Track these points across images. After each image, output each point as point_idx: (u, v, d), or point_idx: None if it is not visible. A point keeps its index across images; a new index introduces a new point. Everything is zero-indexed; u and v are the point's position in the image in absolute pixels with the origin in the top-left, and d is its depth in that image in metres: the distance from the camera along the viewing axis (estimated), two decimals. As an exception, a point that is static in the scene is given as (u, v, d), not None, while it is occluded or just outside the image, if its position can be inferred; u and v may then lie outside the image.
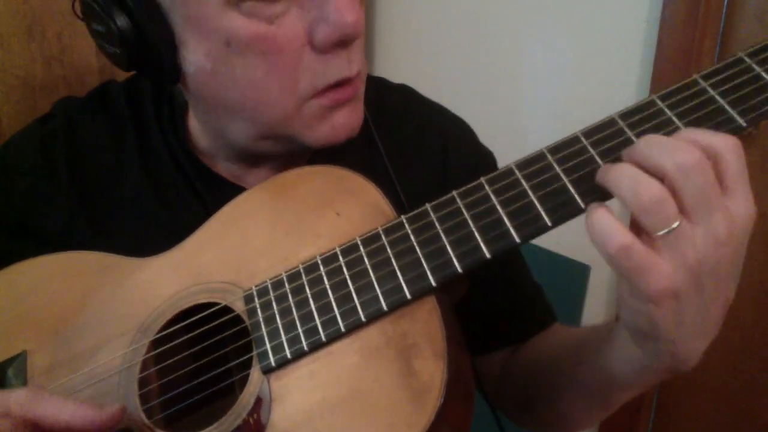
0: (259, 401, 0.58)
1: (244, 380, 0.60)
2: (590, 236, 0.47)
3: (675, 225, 0.45)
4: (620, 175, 0.47)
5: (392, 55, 1.93)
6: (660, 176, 0.46)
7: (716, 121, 0.50)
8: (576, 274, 1.38)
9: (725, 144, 0.46)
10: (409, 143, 0.83)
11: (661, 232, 0.45)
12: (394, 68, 1.93)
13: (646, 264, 0.46)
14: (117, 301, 0.68)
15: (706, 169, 0.45)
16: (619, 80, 1.54)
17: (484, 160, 0.86)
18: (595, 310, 1.65)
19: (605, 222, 0.47)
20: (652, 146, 0.47)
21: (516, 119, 1.71)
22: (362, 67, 0.68)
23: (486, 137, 0.89)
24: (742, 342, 1.60)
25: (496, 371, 0.83)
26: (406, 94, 0.90)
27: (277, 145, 0.70)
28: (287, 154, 0.75)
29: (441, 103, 0.90)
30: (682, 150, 0.45)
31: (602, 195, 0.51)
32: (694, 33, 1.44)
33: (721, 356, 1.63)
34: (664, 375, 0.55)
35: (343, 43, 0.63)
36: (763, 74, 0.50)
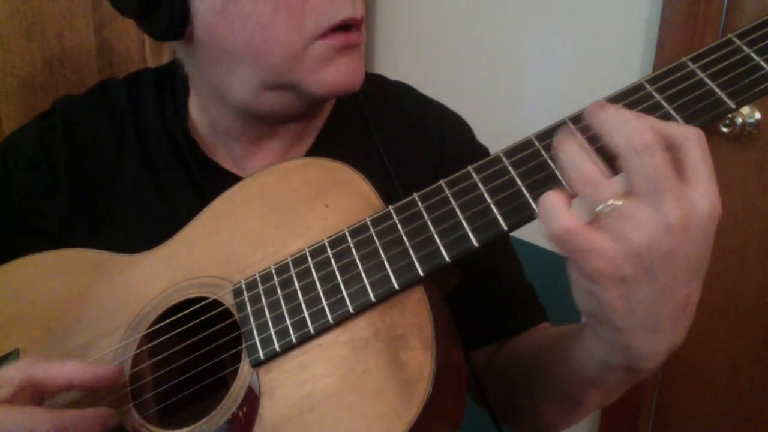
0: (248, 395, 0.58)
1: (236, 374, 0.60)
2: (539, 218, 0.48)
3: (616, 203, 0.45)
4: (563, 154, 0.48)
5: (392, 55, 1.93)
6: (614, 152, 0.47)
7: (705, 103, 0.50)
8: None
9: (684, 134, 0.46)
10: (407, 138, 0.83)
11: (599, 208, 0.46)
12: (394, 68, 1.93)
13: (587, 245, 0.45)
14: (109, 297, 0.68)
15: (656, 151, 0.45)
16: (619, 80, 1.53)
17: (479, 155, 0.87)
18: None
19: (550, 204, 0.47)
20: (611, 122, 0.47)
21: (516, 119, 1.71)
22: (364, 18, 0.70)
23: (486, 137, 0.89)
24: (742, 342, 1.59)
25: (480, 369, 0.82)
26: (404, 90, 0.90)
27: (281, 100, 0.71)
28: (289, 124, 0.75)
29: (441, 102, 0.90)
30: (636, 131, 0.45)
31: None
32: (694, 33, 1.44)
33: (721, 356, 1.63)
34: (626, 375, 0.55)
35: None
36: (753, 55, 0.50)
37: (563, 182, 0.51)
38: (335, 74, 0.68)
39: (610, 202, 0.45)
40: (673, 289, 0.46)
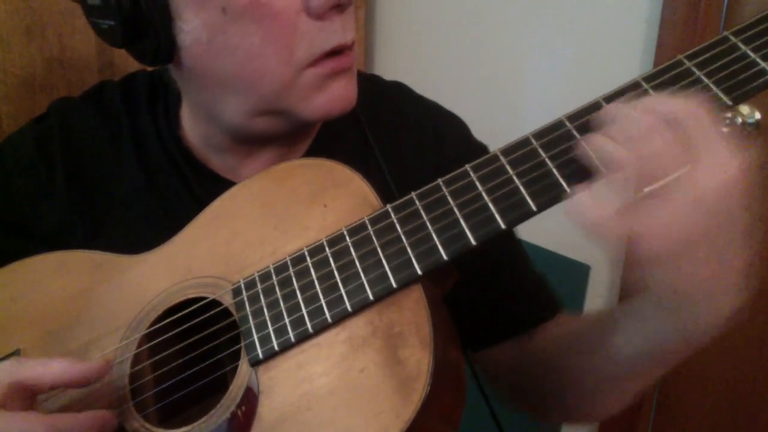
0: (247, 394, 0.58)
1: (235, 374, 0.60)
2: (570, 216, 0.48)
3: (654, 186, 0.46)
4: (594, 148, 0.48)
5: (392, 55, 1.93)
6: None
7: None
8: (576, 274, 1.38)
9: (682, 110, 0.47)
10: (405, 139, 0.83)
11: (647, 189, 0.46)
12: (394, 68, 1.93)
13: (629, 229, 0.46)
14: (109, 298, 0.68)
15: (655, 135, 0.46)
16: (619, 80, 1.52)
17: (477, 154, 0.87)
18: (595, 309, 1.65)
19: (581, 200, 0.47)
20: (610, 118, 0.48)
21: (516, 119, 1.71)
22: (355, 40, 0.69)
23: (486, 137, 0.89)
24: (742, 341, 1.59)
25: (505, 367, 0.81)
26: (399, 91, 0.90)
27: (273, 123, 0.70)
28: (283, 138, 0.75)
29: (440, 103, 0.90)
30: (633, 121, 0.46)
31: (586, 177, 0.51)
32: (694, 33, 1.44)
33: (721, 356, 1.62)
34: (682, 347, 0.55)
35: (338, 7, 0.64)
36: (749, 52, 0.50)
37: (560, 180, 0.51)
38: (328, 100, 0.68)
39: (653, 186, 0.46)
40: (723, 254, 0.47)
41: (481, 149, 0.87)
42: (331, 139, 0.80)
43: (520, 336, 0.81)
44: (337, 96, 0.68)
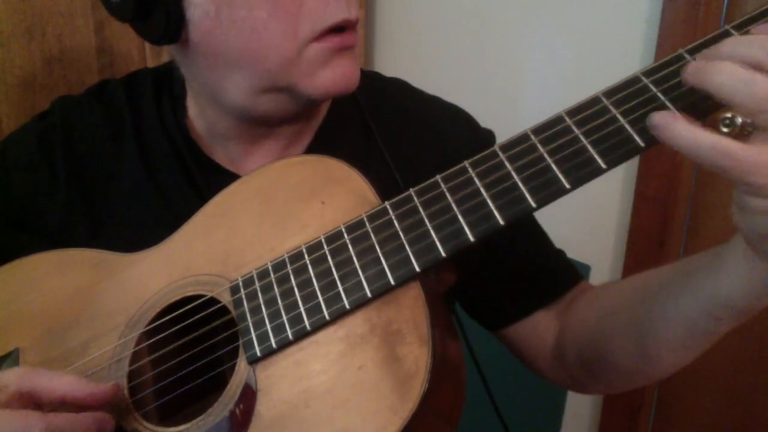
0: (245, 391, 0.58)
1: (234, 371, 0.60)
2: (682, 149, 0.46)
3: None
4: (730, 76, 0.46)
5: (392, 55, 1.93)
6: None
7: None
8: (576, 274, 1.37)
9: None
10: (407, 134, 0.83)
11: None
12: (394, 67, 1.93)
13: (757, 161, 0.45)
14: (108, 296, 0.68)
15: None
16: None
17: (484, 142, 0.86)
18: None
19: (712, 141, 0.46)
20: (744, 45, 0.46)
21: (516, 119, 1.70)
22: (359, 19, 0.70)
23: (486, 137, 0.89)
24: (742, 342, 1.59)
25: (548, 341, 0.80)
26: (400, 86, 0.90)
27: (278, 102, 0.71)
28: (287, 124, 0.75)
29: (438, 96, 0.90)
30: (752, 84, 0.45)
31: (586, 178, 0.51)
32: (694, 33, 1.44)
33: (721, 356, 1.62)
34: (748, 306, 0.54)
35: None
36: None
37: (558, 174, 0.51)
38: (331, 76, 0.68)
39: None
40: None
41: (486, 135, 0.87)
42: (332, 135, 0.81)
43: (552, 304, 0.81)
44: (340, 73, 0.69)
